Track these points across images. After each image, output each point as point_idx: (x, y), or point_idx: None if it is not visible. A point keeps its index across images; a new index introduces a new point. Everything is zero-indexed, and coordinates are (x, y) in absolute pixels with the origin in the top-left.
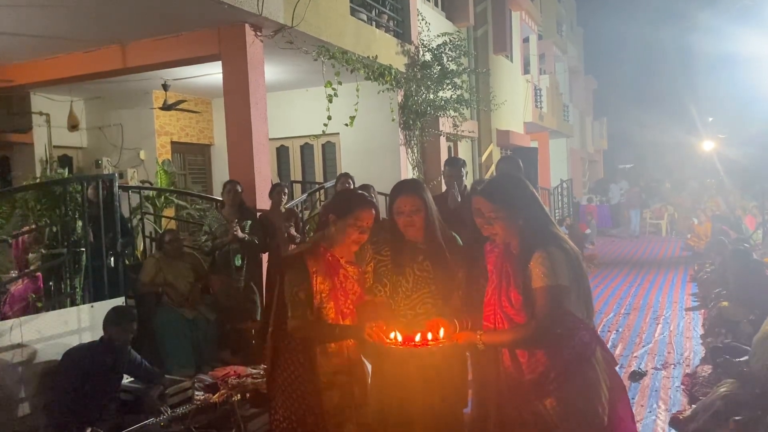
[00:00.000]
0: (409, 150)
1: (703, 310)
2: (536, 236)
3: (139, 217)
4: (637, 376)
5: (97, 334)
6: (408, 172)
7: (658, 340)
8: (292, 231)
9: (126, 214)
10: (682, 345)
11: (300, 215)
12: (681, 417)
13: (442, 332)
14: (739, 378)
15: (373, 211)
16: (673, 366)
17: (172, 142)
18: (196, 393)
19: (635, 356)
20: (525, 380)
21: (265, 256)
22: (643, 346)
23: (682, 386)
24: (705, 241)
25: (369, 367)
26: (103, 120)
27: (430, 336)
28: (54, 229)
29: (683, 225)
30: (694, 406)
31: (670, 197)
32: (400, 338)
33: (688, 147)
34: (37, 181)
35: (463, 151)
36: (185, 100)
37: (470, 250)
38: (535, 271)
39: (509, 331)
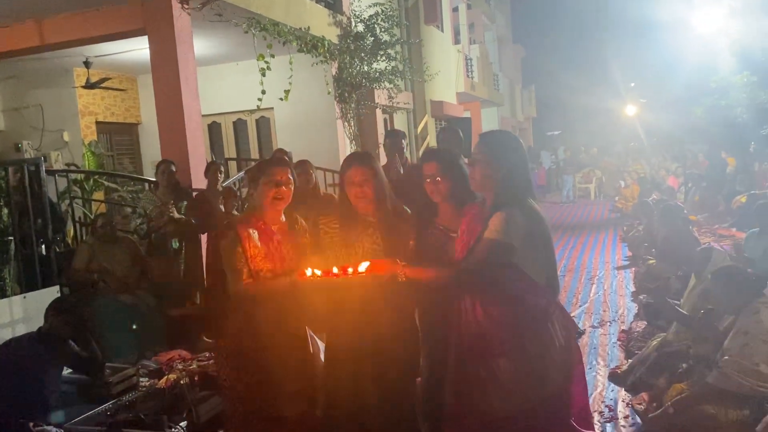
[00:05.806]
0: (345, 123)
1: (633, 269)
2: (508, 196)
3: (67, 201)
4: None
5: (31, 325)
6: (345, 146)
7: (594, 299)
8: (234, 211)
9: (54, 199)
10: (617, 303)
11: (238, 193)
12: (619, 372)
13: (363, 266)
14: (671, 332)
15: (285, 167)
16: (609, 323)
17: (97, 122)
18: (141, 379)
19: (573, 316)
20: (483, 335)
21: (204, 237)
22: (580, 306)
23: (619, 342)
24: (632, 203)
25: (322, 345)
26: (21, 101)
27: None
28: None
29: (610, 188)
30: (630, 360)
31: (598, 162)
32: (318, 273)
33: (613, 112)
34: None
35: (399, 123)
36: (109, 78)
37: (418, 220)
38: (490, 226)
39: (433, 268)
